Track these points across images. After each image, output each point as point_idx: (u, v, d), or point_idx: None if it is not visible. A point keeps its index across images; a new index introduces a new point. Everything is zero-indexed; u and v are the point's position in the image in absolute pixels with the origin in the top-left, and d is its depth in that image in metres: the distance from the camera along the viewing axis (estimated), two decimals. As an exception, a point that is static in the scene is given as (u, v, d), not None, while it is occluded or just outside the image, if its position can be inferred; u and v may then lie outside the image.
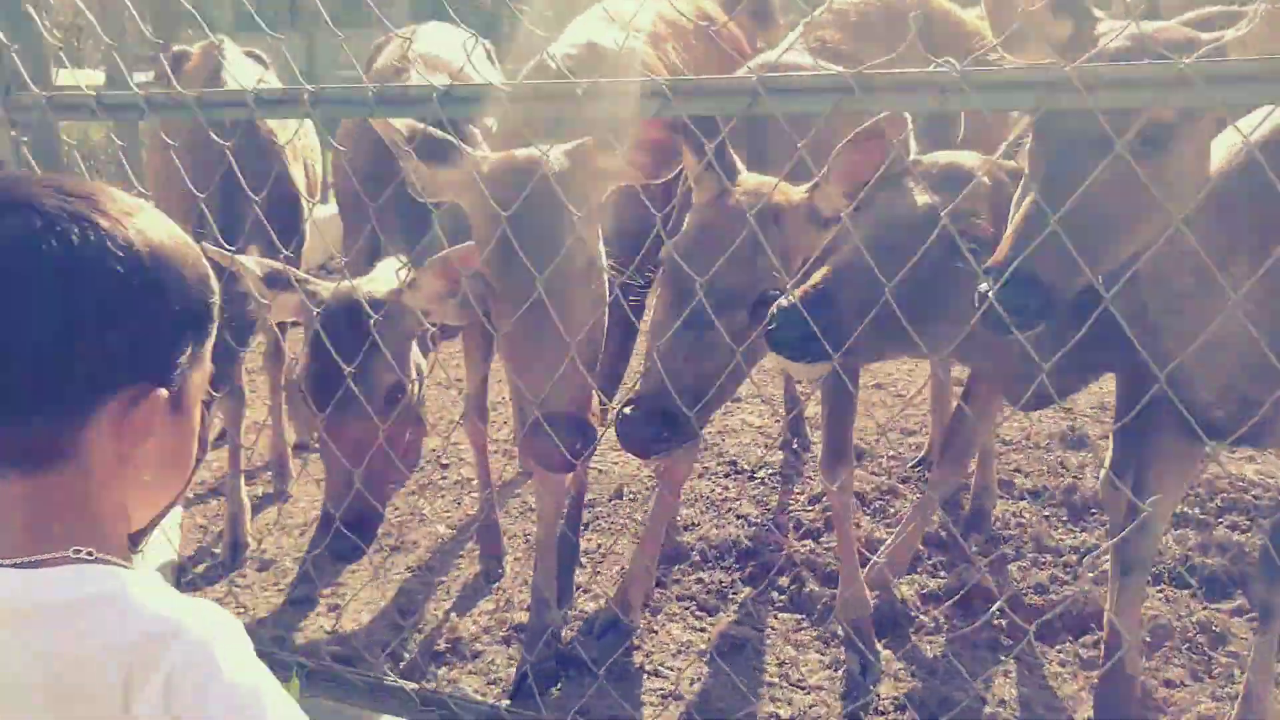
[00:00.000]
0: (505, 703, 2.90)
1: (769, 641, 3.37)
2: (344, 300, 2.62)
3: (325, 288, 2.71)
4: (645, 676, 3.16)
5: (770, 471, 4.60)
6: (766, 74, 1.89)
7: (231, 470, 3.93)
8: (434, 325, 2.74)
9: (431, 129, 2.41)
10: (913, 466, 4.56)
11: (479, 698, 3.01)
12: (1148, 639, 3.27)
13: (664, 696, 3.08)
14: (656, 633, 3.40)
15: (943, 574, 3.68)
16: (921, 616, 3.46)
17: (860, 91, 1.78)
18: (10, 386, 0.95)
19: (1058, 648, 3.31)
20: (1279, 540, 2.56)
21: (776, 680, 3.18)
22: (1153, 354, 2.12)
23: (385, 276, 2.75)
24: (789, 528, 4.07)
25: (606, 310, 2.47)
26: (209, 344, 1.12)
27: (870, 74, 1.79)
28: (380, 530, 4.03)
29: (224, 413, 3.93)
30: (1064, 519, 4.04)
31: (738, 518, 4.19)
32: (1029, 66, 1.89)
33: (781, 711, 3.02)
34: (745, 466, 4.65)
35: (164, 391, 1.02)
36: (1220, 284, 2.01)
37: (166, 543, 3.22)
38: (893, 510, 4.15)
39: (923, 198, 2.26)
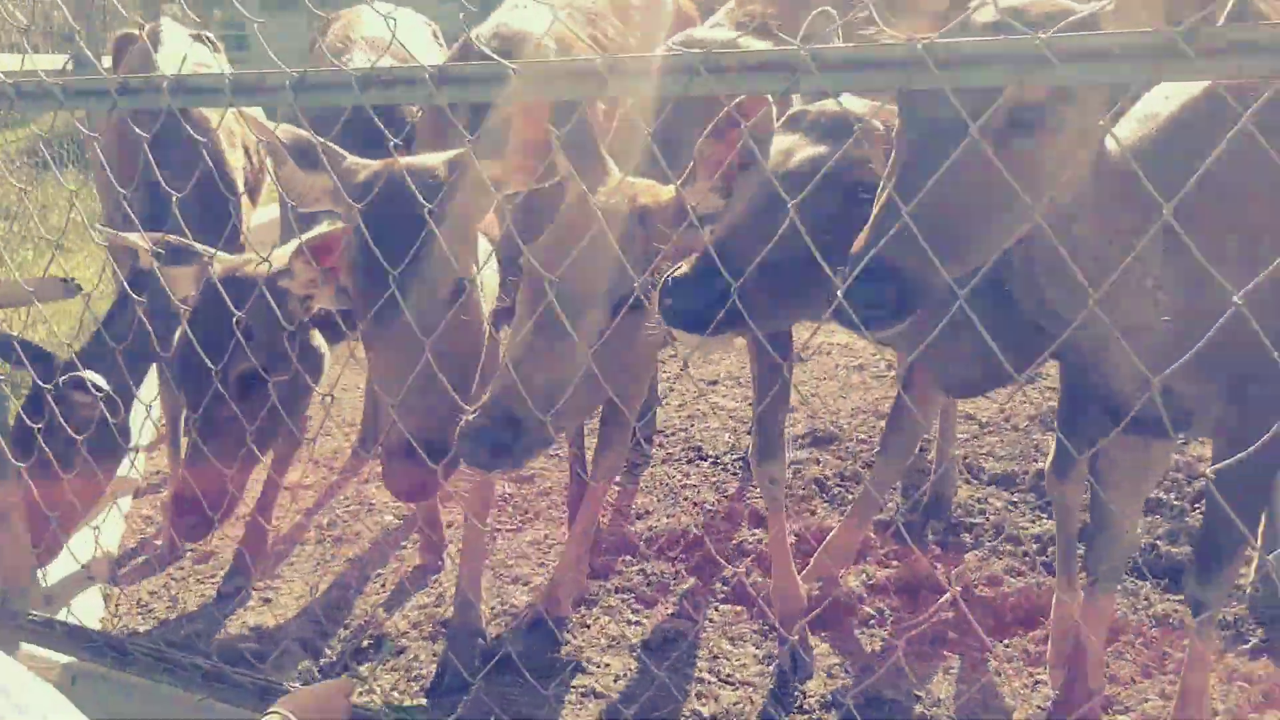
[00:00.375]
0: (414, 702, 2.83)
1: (705, 635, 3.26)
2: (227, 275, 2.56)
3: (223, 259, 2.67)
4: (569, 673, 3.07)
5: (736, 457, 4.48)
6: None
7: (172, 463, 3.89)
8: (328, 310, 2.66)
9: (301, 134, 2.32)
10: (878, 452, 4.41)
11: (385, 700, 2.94)
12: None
13: (584, 694, 2.99)
14: (589, 627, 3.30)
15: (895, 564, 3.54)
16: (867, 609, 3.34)
17: (707, 73, 1.65)
18: None
19: (1006, 642, 3.17)
20: (1210, 533, 2.41)
21: (706, 675, 3.08)
22: (1072, 344, 1.99)
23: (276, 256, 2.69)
24: (743, 516, 3.95)
25: (484, 331, 2.39)
26: None
27: (718, 54, 1.65)
28: (325, 520, 4.03)
29: (164, 405, 3.89)
30: (1031, 505, 3.88)
31: (694, 505, 4.08)
32: (881, 44, 1.72)
33: (704, 709, 2.91)
34: (710, 452, 4.53)
35: None
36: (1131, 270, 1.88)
37: (93, 537, 3.17)
38: (851, 497, 4.01)
39: (812, 149, 2.14)
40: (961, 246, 1.75)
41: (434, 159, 2.30)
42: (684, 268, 2.12)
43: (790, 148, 2.22)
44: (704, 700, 2.97)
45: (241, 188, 3.90)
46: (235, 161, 3.91)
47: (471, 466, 2.08)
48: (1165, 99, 2.08)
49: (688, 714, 2.91)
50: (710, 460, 4.47)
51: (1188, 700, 2.55)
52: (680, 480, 4.31)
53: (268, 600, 3.49)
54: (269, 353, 2.52)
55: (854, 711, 2.75)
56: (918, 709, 2.87)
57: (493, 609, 3.40)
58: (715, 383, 5.29)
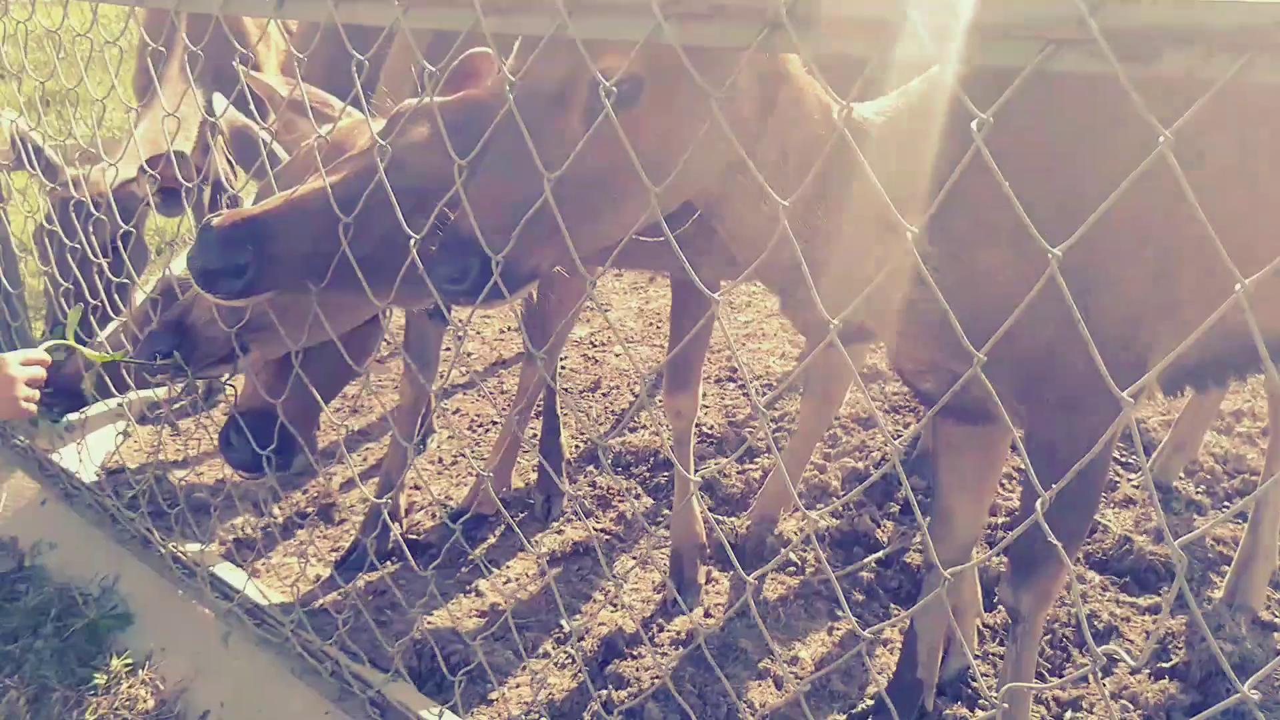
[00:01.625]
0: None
1: (619, 554, 3.31)
2: None
3: None
4: (467, 571, 3.20)
5: (764, 384, 4.39)
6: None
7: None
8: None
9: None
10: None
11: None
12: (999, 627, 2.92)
13: (469, 591, 3.12)
14: (510, 535, 3.41)
15: (846, 516, 3.41)
16: (792, 555, 3.25)
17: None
18: None
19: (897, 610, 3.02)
20: (1024, 541, 2.19)
21: (595, 594, 3.14)
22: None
23: None
24: (731, 445, 3.90)
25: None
26: None
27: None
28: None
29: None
30: (1015, 479, 3.59)
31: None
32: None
33: (572, 624, 2.98)
34: (739, 377, 4.46)
35: None
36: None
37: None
38: (840, 441, 3.86)
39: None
40: (546, 226, 1.55)
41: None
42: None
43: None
44: (579, 617, 3.03)
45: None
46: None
47: None
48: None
49: (555, 626, 2.99)
50: (738, 385, 4.40)
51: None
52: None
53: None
54: None
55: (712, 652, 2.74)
56: (764, 663, 2.81)
57: (434, 499, 3.58)
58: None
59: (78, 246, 2.90)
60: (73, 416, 3.37)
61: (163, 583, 2.90)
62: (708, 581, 3.18)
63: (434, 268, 1.58)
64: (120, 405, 3.37)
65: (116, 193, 3.10)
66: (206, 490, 3.57)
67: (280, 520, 3.47)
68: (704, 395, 4.27)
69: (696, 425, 4.04)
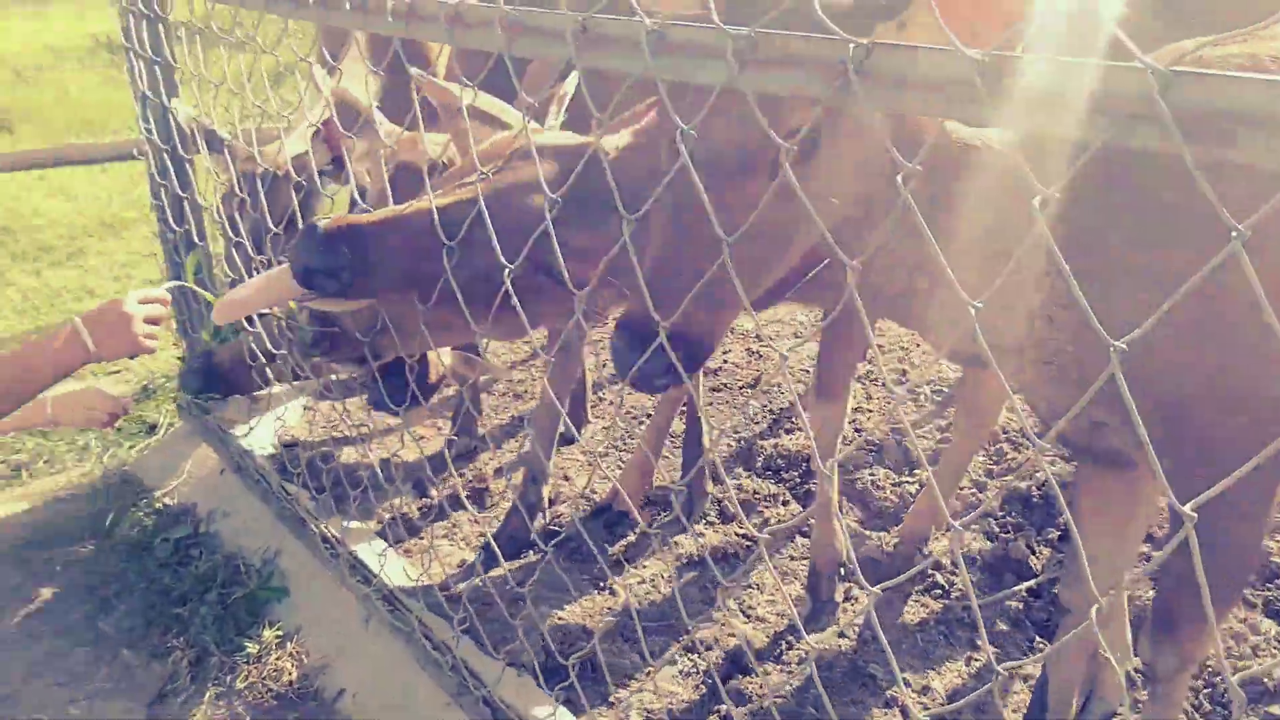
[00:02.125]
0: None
1: (758, 562, 3.25)
2: None
3: None
4: (598, 569, 3.21)
5: (936, 389, 4.20)
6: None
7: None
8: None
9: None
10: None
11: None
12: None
13: (604, 590, 3.14)
14: (649, 534, 3.39)
15: (1001, 539, 3.23)
16: (939, 578, 3.10)
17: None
18: None
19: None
20: (1165, 591, 2.01)
21: (730, 603, 3.09)
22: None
23: None
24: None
25: None
26: None
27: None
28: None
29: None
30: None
31: (854, 430, 3.93)
32: None
33: (701, 632, 2.94)
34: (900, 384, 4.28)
35: None
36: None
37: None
38: (1005, 457, 3.65)
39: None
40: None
41: None
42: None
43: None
44: (708, 625, 3.00)
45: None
46: None
47: None
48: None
49: (685, 632, 2.96)
50: (908, 389, 4.23)
51: None
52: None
53: (421, 439, 3.98)
54: None
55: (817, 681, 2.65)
56: (894, 690, 2.70)
57: (579, 491, 3.61)
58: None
59: (250, 217, 3.06)
60: (265, 392, 3.61)
61: (314, 561, 3.06)
62: (846, 599, 3.08)
63: (626, 359, 1.55)
64: (301, 383, 3.59)
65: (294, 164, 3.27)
66: (367, 470, 3.72)
67: (436, 502, 3.59)
68: (869, 399, 4.13)
69: (857, 430, 3.92)
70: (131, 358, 1.82)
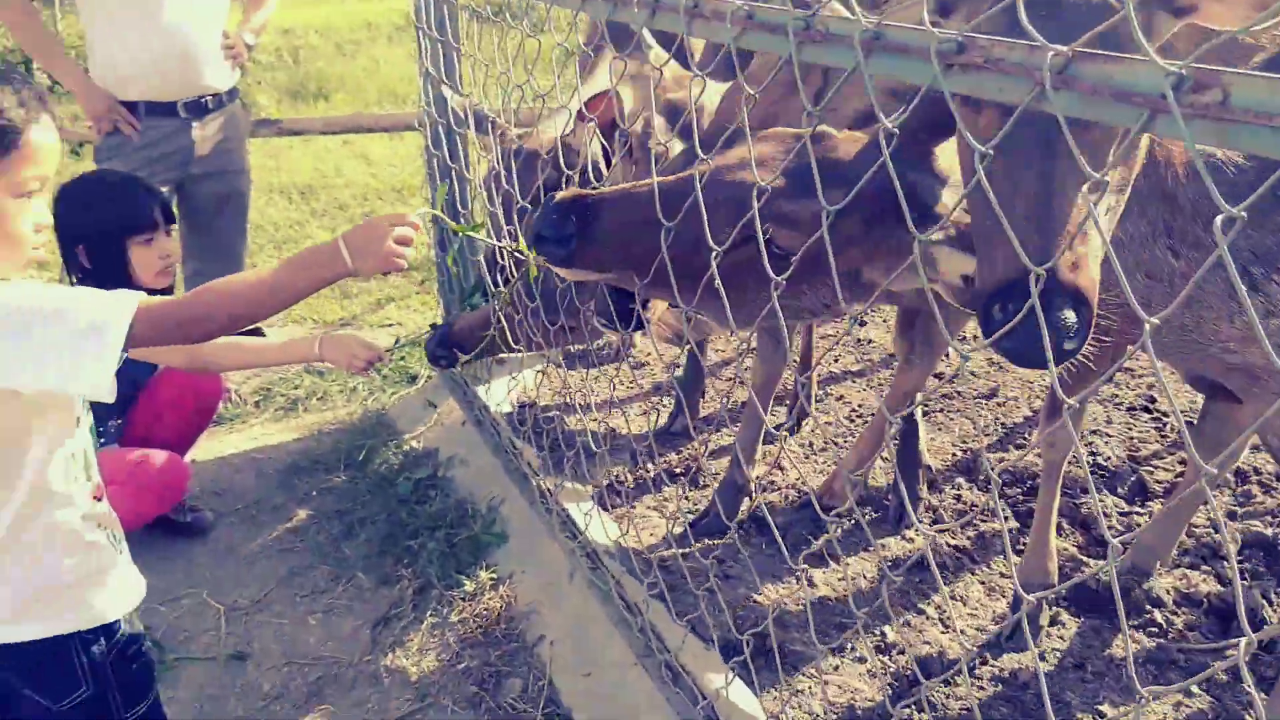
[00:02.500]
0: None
1: (965, 574, 3.18)
2: None
3: None
4: (802, 559, 3.24)
5: (1189, 418, 3.94)
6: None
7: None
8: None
9: None
10: None
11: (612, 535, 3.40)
12: None
13: (803, 580, 3.17)
14: (855, 531, 3.40)
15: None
16: (1157, 616, 2.94)
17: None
18: None
19: None
20: None
21: (930, 611, 3.05)
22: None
23: None
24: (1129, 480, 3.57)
25: None
26: (7, 157, 1.59)
27: None
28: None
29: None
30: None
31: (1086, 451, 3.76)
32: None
33: (891, 633, 2.93)
34: (1142, 404, 4.03)
35: None
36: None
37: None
38: (1252, 499, 3.38)
39: None
40: None
41: None
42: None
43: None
44: (904, 628, 2.98)
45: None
46: None
47: None
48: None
49: (879, 633, 2.96)
50: (1153, 417, 3.99)
51: None
52: (1090, 423, 3.95)
53: (645, 413, 4.14)
54: None
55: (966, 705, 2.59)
56: (1089, 725, 2.59)
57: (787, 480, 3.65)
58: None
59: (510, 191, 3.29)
60: (507, 355, 3.86)
61: (531, 513, 3.26)
62: (1053, 624, 2.97)
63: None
64: (538, 351, 3.81)
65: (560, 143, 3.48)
66: (588, 437, 3.92)
67: (650, 475, 3.73)
68: (1109, 423, 3.93)
69: (1093, 453, 3.75)
70: (384, 274, 1.97)
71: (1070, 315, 1.41)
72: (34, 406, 1.66)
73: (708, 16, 1.92)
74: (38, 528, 1.71)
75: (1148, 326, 1.11)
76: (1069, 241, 1.44)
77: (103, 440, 3.30)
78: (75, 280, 3.10)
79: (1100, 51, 1.18)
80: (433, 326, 4.04)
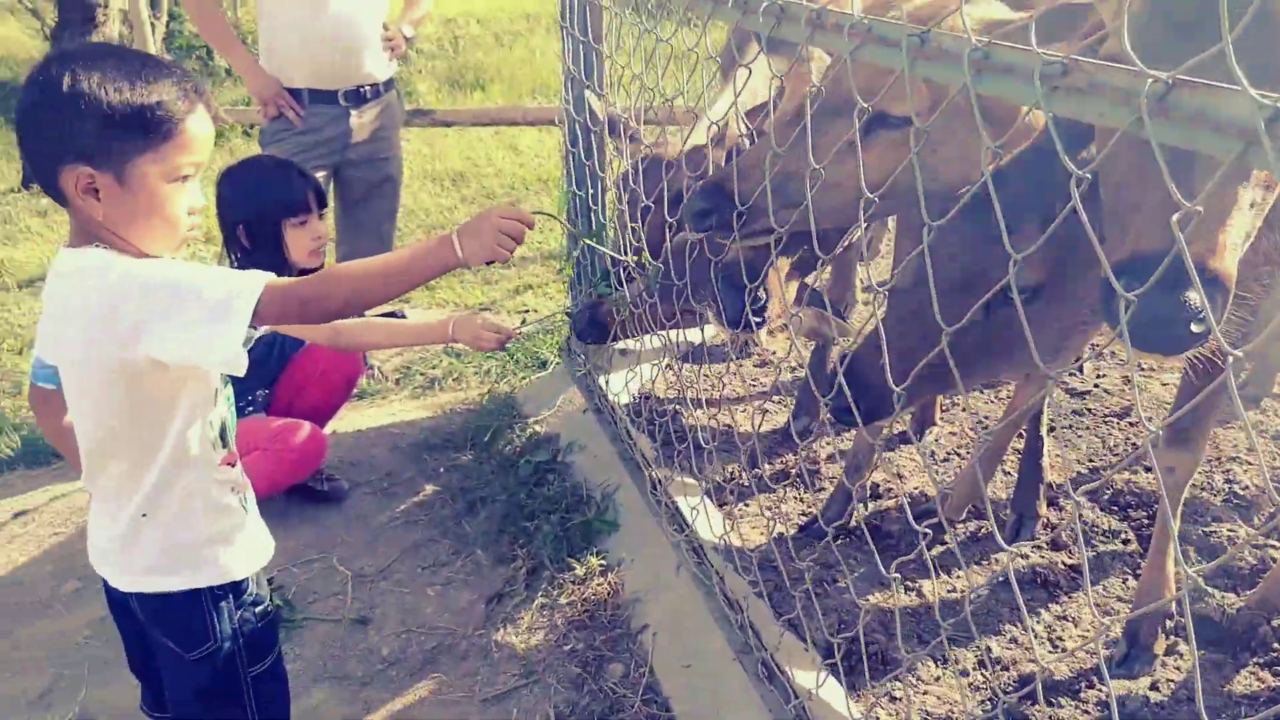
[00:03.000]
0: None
1: (1080, 595, 3.11)
2: None
3: None
4: (913, 568, 3.23)
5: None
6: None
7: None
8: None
9: None
10: None
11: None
12: None
13: (911, 590, 3.15)
14: (968, 544, 3.35)
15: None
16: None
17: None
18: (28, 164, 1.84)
19: None
20: None
21: (1037, 628, 3.00)
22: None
23: None
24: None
25: None
26: (166, 144, 1.74)
27: None
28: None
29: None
30: None
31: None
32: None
33: (997, 648, 2.89)
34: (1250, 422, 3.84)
35: (87, 168, 1.73)
36: None
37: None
38: None
39: None
40: None
41: None
42: None
43: None
44: (1011, 646, 2.94)
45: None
46: None
47: None
48: None
49: (984, 648, 2.93)
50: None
51: None
52: (1231, 449, 3.79)
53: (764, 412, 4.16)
54: None
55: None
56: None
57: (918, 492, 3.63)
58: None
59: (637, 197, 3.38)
60: (623, 344, 3.96)
61: (643, 503, 3.35)
62: (1168, 653, 2.88)
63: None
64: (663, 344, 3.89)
65: (687, 155, 3.54)
66: (705, 432, 3.97)
67: (767, 474, 3.76)
68: (1250, 450, 3.77)
69: (1229, 480, 3.60)
70: (489, 264, 2.02)
71: (1201, 297, 1.29)
72: (179, 378, 1.82)
73: (828, 28, 1.97)
74: (177, 489, 1.87)
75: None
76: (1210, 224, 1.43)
77: (250, 409, 3.54)
78: (235, 258, 3.32)
79: (1200, 80, 1.18)
80: (565, 313, 4.17)
